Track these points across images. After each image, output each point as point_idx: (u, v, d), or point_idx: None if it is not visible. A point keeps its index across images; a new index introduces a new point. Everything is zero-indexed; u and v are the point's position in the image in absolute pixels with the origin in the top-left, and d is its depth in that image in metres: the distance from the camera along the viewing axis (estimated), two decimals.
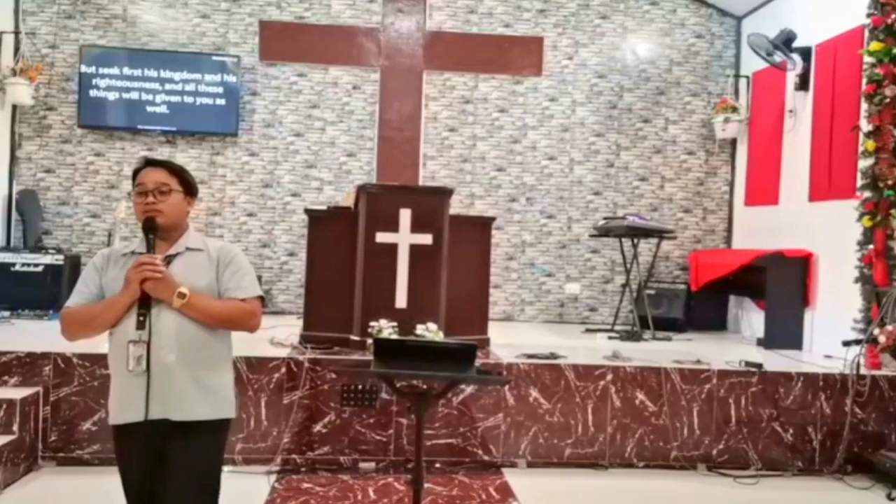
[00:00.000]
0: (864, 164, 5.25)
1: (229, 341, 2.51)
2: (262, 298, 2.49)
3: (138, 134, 7.21)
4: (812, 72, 6.21)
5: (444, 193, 5.21)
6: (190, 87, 7.14)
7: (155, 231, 2.38)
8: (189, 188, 2.50)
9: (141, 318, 2.27)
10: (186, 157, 7.25)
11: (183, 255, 2.43)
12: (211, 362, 2.40)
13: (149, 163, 2.48)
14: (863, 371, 4.75)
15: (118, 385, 2.38)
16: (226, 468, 4.16)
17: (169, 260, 2.39)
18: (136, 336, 2.28)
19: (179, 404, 2.32)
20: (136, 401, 2.28)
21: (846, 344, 4.75)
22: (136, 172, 2.47)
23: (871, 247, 5.15)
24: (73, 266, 6.60)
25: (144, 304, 2.29)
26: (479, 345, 4.39)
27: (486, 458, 4.57)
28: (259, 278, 6.30)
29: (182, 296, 2.29)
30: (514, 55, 6.08)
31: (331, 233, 5.17)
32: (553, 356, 4.83)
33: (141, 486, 2.35)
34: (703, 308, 7.17)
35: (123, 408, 2.34)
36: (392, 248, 4.89)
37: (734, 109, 7.29)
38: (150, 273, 2.27)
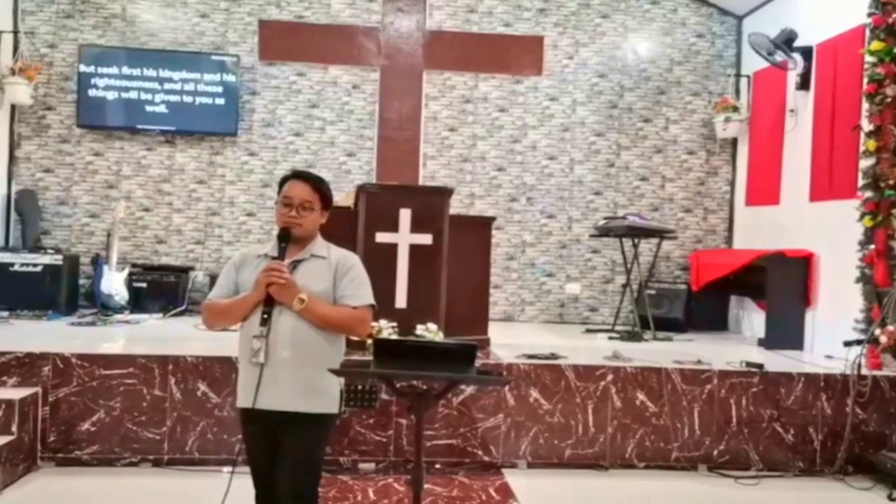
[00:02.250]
0: (865, 163, 5.24)
1: (341, 345, 2.75)
2: (373, 307, 2.73)
3: (137, 133, 7.19)
4: (813, 71, 6.20)
5: (444, 193, 5.19)
6: (189, 87, 7.12)
7: (288, 241, 2.66)
8: (327, 203, 2.78)
9: (265, 316, 2.56)
10: (186, 156, 7.24)
11: (308, 261, 2.69)
12: (320, 362, 2.60)
13: (297, 175, 2.75)
14: (864, 371, 4.74)
15: (242, 373, 2.67)
16: (225, 469, 4.17)
17: (294, 265, 2.65)
18: (258, 331, 2.56)
19: (288, 396, 2.57)
20: (251, 389, 2.56)
21: (847, 344, 4.73)
22: (284, 180, 2.75)
23: (872, 247, 5.15)
24: (72, 266, 6.57)
25: (269, 304, 2.57)
26: (479, 345, 4.37)
27: (486, 458, 4.56)
28: None
29: (301, 301, 2.55)
30: (514, 54, 6.09)
31: (330, 233, 5.13)
32: (553, 356, 4.81)
33: (258, 465, 2.68)
34: (704, 308, 7.15)
35: (242, 394, 2.64)
36: (392, 248, 4.88)
37: (735, 109, 7.27)
38: (276, 279, 2.55)
